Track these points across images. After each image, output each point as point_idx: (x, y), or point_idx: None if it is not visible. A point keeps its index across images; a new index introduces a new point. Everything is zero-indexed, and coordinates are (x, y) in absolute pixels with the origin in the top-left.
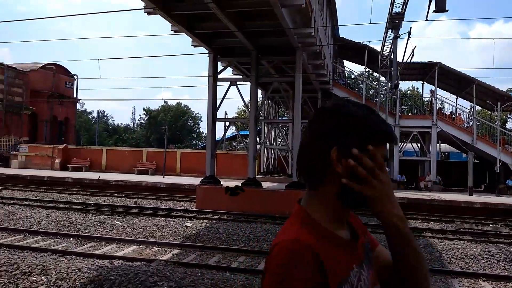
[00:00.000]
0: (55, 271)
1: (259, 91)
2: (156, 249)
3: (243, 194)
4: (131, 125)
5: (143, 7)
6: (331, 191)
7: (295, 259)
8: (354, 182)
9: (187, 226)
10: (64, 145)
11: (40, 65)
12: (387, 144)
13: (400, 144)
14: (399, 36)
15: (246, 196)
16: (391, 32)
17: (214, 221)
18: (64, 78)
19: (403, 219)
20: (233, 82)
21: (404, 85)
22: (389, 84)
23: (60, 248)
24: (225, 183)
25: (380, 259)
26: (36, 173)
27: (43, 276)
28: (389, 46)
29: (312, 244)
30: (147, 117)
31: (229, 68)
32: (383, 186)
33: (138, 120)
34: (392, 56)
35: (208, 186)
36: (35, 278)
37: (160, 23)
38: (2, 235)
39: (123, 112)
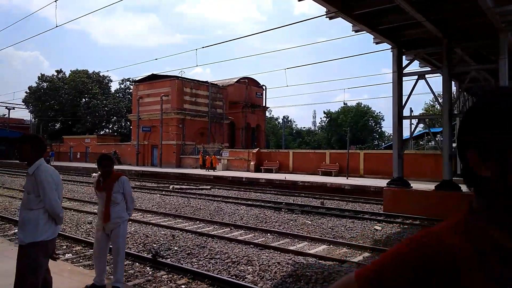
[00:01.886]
0: (258, 263)
1: (453, 83)
2: (346, 250)
3: (438, 198)
4: (312, 128)
5: (325, 13)
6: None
7: (424, 256)
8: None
9: (377, 230)
10: (257, 149)
11: (235, 80)
12: None
13: None
14: None
15: (441, 201)
16: None
17: (406, 226)
18: (255, 89)
19: None
20: (420, 76)
21: None
22: None
23: (260, 242)
24: (415, 185)
25: None
26: (236, 174)
27: (248, 266)
28: None
29: (455, 247)
30: (327, 119)
31: (415, 61)
32: None
33: (319, 123)
34: None
35: (397, 188)
36: (242, 268)
37: (337, 27)
38: (214, 227)
39: (305, 116)
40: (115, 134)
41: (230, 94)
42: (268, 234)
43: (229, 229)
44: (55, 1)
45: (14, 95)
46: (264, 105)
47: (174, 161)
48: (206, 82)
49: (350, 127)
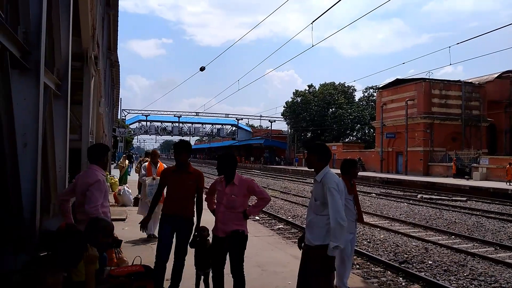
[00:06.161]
0: None
1: None
2: None
3: None
4: None
5: None
6: None
7: None
8: None
9: None
10: None
11: (496, 75)
12: None
13: None
14: None
15: None
16: None
17: None
18: None
19: None
20: None
21: None
22: None
23: None
24: None
25: None
26: (498, 185)
27: None
28: None
29: None
30: None
31: None
32: None
33: None
34: None
35: None
36: None
37: None
38: (474, 245)
39: None
40: (359, 141)
41: (489, 92)
42: None
43: (493, 248)
44: (312, 23)
45: (276, 110)
46: None
47: (421, 169)
48: (459, 81)
49: None
